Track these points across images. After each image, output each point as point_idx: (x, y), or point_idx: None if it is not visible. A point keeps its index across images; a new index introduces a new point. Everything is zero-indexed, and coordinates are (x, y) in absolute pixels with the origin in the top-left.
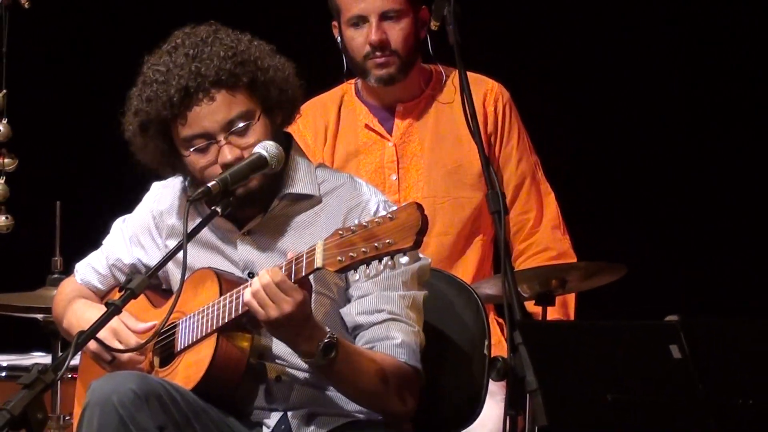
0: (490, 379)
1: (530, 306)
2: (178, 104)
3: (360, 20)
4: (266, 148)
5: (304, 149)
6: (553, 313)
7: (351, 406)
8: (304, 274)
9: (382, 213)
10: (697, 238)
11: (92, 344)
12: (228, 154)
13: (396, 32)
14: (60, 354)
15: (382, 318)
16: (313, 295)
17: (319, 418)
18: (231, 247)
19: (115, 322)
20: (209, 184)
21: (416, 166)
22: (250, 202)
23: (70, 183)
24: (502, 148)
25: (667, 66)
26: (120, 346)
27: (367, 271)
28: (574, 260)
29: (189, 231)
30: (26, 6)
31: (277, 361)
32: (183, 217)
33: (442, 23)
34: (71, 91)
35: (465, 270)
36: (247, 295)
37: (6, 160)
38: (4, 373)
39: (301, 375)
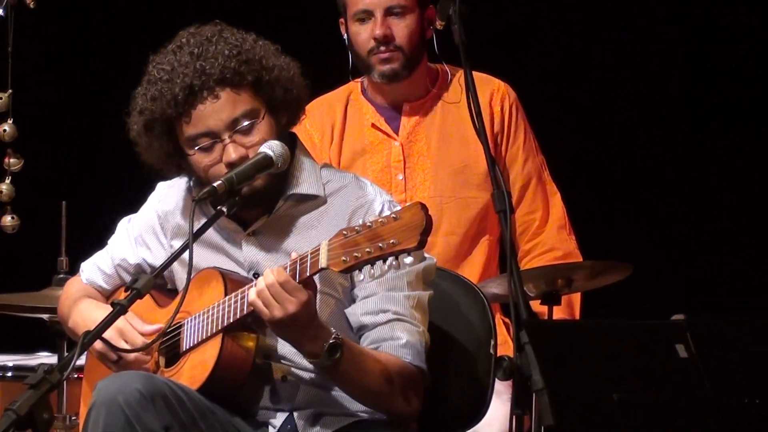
0: (497, 379)
1: (536, 305)
2: (183, 103)
3: (365, 15)
4: (272, 147)
5: (311, 148)
6: (557, 313)
7: (357, 406)
8: (308, 274)
9: (387, 213)
10: (702, 238)
11: (98, 344)
12: (232, 152)
13: (401, 28)
14: (66, 354)
15: (386, 318)
16: (318, 296)
17: (324, 418)
18: (236, 248)
19: (121, 322)
20: (215, 184)
21: (423, 165)
22: (255, 202)
23: (75, 183)
24: (508, 148)
25: (668, 66)
26: (126, 346)
27: (372, 271)
28: (580, 260)
29: (195, 231)
30: (32, 6)
31: (282, 361)
32: (189, 217)
33: (448, 23)
34: (77, 92)
35: (471, 270)
36: (252, 295)
37: (12, 160)
38: (10, 373)
39: (307, 375)
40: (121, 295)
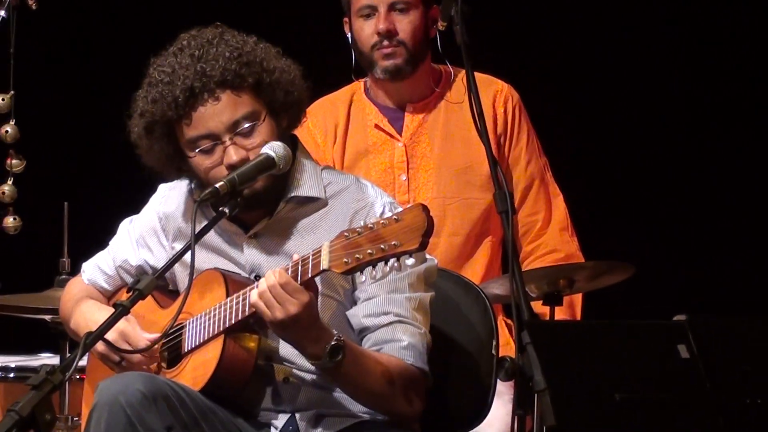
0: (498, 379)
1: (538, 306)
2: (183, 105)
3: (369, 10)
4: (274, 148)
5: (314, 148)
6: (559, 314)
7: (358, 407)
8: (310, 275)
9: (388, 215)
10: (704, 238)
11: (100, 345)
12: (233, 154)
13: (404, 24)
14: (68, 355)
15: (388, 320)
16: (320, 297)
17: (326, 420)
18: (237, 250)
19: (123, 323)
20: (217, 185)
21: (426, 166)
22: (256, 204)
23: (77, 184)
24: (511, 149)
25: (669, 66)
26: (128, 347)
27: (373, 272)
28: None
29: (197, 232)
30: (33, 7)
31: (284, 362)
32: (190, 219)
33: (450, 23)
34: (79, 93)
35: (474, 271)
36: (253, 296)
37: (14, 162)
38: (12, 374)
39: (309, 376)
40: (123, 296)
